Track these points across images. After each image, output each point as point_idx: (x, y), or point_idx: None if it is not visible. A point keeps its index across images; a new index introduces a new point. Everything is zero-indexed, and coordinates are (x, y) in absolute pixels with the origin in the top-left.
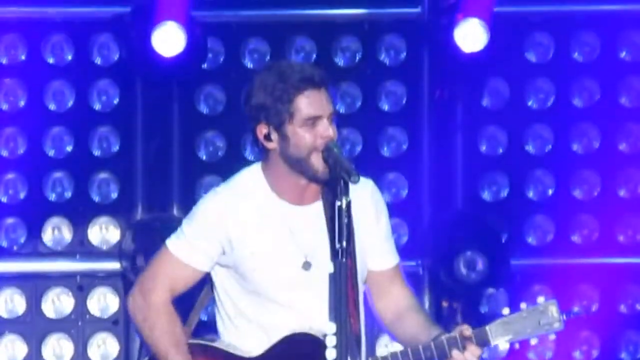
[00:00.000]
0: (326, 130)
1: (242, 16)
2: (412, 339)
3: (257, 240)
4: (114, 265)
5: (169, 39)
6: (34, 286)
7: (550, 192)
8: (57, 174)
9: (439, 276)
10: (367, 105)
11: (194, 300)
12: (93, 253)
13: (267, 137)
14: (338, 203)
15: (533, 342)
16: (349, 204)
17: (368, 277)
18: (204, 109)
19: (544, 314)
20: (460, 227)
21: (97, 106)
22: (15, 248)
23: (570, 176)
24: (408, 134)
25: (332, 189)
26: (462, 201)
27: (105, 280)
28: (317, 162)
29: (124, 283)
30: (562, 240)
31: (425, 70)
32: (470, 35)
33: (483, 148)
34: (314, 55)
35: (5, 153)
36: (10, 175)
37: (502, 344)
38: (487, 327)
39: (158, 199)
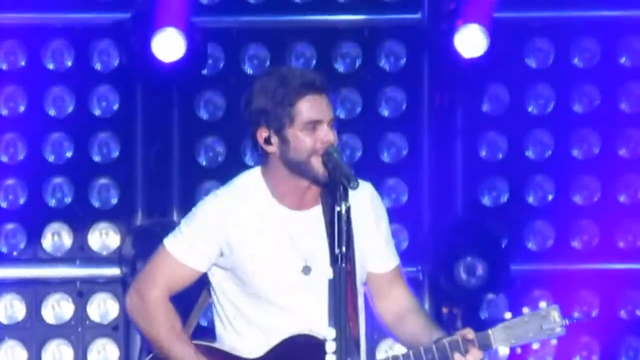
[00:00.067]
0: (326, 135)
1: (242, 22)
2: (413, 340)
3: (257, 243)
4: (114, 271)
5: (169, 45)
6: (34, 292)
7: (550, 197)
8: (57, 180)
9: (439, 281)
10: (367, 111)
11: (192, 304)
12: (93, 259)
13: (267, 141)
14: (337, 208)
15: (535, 346)
16: (348, 209)
17: (368, 279)
18: (203, 114)
19: (546, 319)
20: (460, 233)
21: (97, 112)
22: (15, 254)
23: (570, 182)
24: (408, 140)
25: (332, 194)
26: (462, 206)
27: (105, 286)
28: (317, 164)
29: (124, 289)
30: (562, 246)
31: (425, 76)
32: (470, 41)
33: (483, 153)
34: (314, 61)
35: (5, 159)
36: (10, 181)
37: (503, 348)
38: (489, 331)
39: (158, 205)
